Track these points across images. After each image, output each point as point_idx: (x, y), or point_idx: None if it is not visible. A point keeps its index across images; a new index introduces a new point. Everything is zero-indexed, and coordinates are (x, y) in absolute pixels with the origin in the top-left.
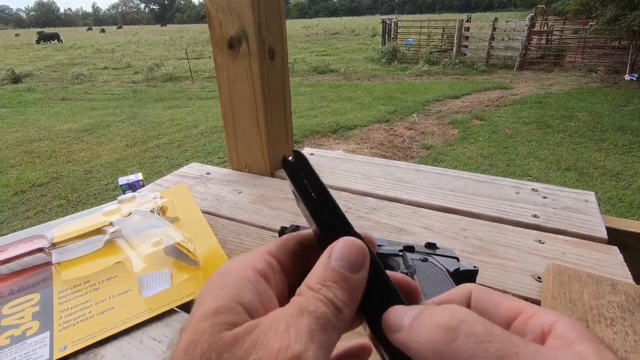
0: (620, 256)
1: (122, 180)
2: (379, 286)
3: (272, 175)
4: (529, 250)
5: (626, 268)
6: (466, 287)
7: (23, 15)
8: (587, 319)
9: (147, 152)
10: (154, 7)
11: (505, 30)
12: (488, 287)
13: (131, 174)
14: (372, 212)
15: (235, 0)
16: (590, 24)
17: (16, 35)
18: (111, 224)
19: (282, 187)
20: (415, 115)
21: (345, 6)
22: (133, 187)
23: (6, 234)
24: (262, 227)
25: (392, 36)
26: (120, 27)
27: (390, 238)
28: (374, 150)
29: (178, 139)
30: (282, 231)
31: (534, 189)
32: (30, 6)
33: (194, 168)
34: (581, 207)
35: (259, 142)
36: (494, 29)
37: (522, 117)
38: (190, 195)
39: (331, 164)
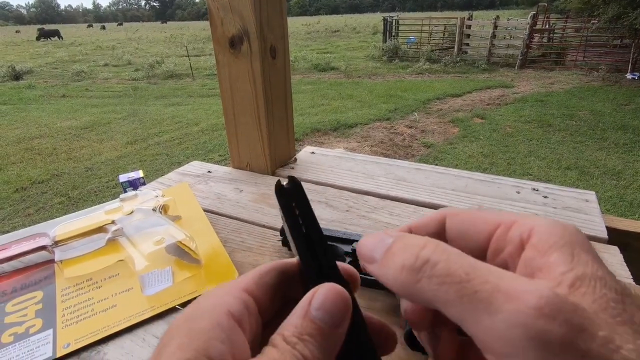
0: (621, 256)
1: (123, 177)
2: (357, 338)
3: (273, 173)
4: None
5: (626, 268)
6: (440, 212)
7: (23, 11)
8: None
9: (148, 149)
10: (154, 4)
11: (507, 29)
12: None
13: (132, 171)
14: (373, 211)
15: None
16: (592, 22)
17: (17, 31)
18: (113, 222)
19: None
20: (416, 114)
21: (346, 3)
22: (133, 184)
23: (7, 231)
24: (264, 226)
25: (393, 34)
26: (120, 24)
27: None
28: (374, 149)
29: (178, 136)
30: (283, 230)
31: (534, 189)
32: (30, 3)
33: (195, 166)
34: (582, 207)
35: (260, 140)
36: (496, 27)
37: (523, 116)
38: (192, 194)
39: (332, 162)
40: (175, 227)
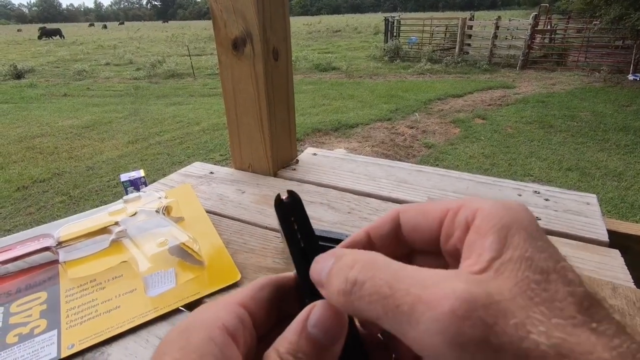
0: (621, 259)
1: (124, 176)
2: (352, 353)
3: (275, 175)
4: None
5: (627, 271)
6: (394, 210)
7: (25, 10)
8: None
9: (149, 149)
10: (156, 3)
11: (508, 29)
12: None
13: (133, 170)
14: (375, 213)
15: (240, 1)
16: (594, 23)
17: (18, 30)
18: (117, 223)
19: (285, 188)
20: (417, 114)
21: (347, 3)
22: (135, 183)
23: (9, 230)
24: (266, 228)
25: (394, 34)
26: (122, 23)
27: None
28: (375, 149)
29: (180, 136)
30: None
31: (536, 191)
32: (32, 1)
33: (198, 167)
34: (583, 210)
35: (263, 142)
36: (497, 27)
37: (524, 117)
38: (195, 195)
39: (334, 164)
40: (179, 229)
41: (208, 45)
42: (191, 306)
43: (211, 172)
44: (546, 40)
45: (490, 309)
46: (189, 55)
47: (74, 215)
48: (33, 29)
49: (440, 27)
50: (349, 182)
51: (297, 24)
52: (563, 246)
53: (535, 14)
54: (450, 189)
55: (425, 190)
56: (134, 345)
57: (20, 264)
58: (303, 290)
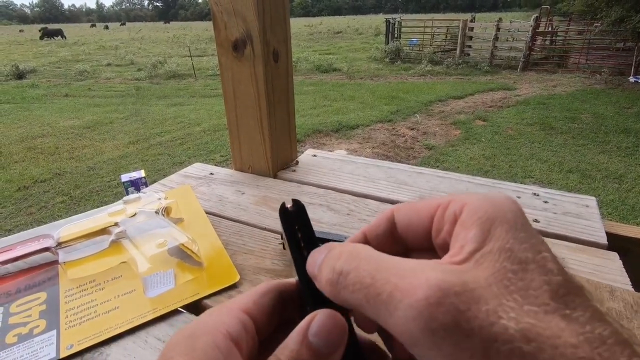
0: (620, 262)
1: (125, 177)
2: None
3: (275, 176)
4: None
5: (625, 274)
6: (389, 209)
7: (27, 11)
8: None
9: (150, 149)
10: (157, 4)
11: (509, 31)
12: None
13: (134, 171)
14: (373, 214)
15: (240, 3)
16: (595, 25)
17: (20, 31)
18: (116, 224)
19: (285, 189)
20: (417, 115)
21: (348, 5)
22: (135, 184)
23: (10, 230)
24: (265, 229)
25: (395, 35)
26: (123, 24)
27: None
28: (376, 150)
29: (180, 136)
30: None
31: (535, 194)
32: (34, 2)
33: (198, 168)
34: (582, 213)
35: (263, 143)
36: (498, 29)
37: (525, 118)
38: (194, 196)
39: (333, 165)
40: (178, 230)
41: (209, 46)
42: (190, 307)
43: (211, 173)
44: (547, 42)
45: (463, 296)
46: (190, 56)
47: (74, 216)
48: (35, 30)
49: (441, 28)
50: (349, 183)
51: (298, 25)
52: (561, 248)
53: (536, 16)
54: (449, 191)
55: (425, 192)
56: (132, 345)
57: (20, 264)
58: (304, 297)
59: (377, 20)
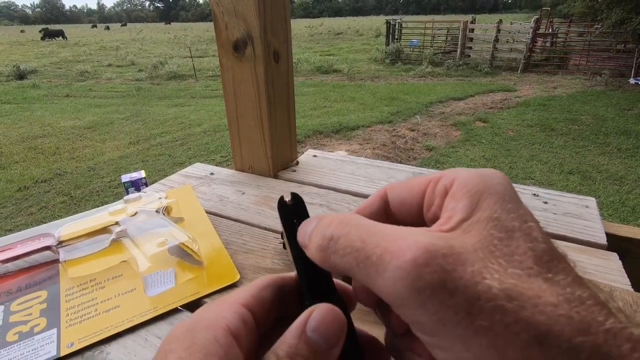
0: (619, 262)
1: (125, 177)
2: (350, 356)
3: (275, 176)
4: None
5: (625, 275)
6: (382, 189)
7: (28, 11)
8: None
9: (150, 149)
10: (158, 5)
11: (509, 32)
12: None
13: (134, 171)
14: None
15: (241, 4)
16: (595, 26)
17: (21, 31)
18: (117, 223)
19: (285, 189)
20: (418, 117)
21: (349, 6)
22: (136, 184)
23: (10, 230)
24: (265, 228)
25: (396, 37)
26: (124, 25)
27: None
28: (376, 151)
29: (181, 137)
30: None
31: (534, 194)
32: (35, 3)
33: (198, 168)
34: (582, 213)
35: (263, 143)
36: (499, 30)
37: (525, 120)
38: (195, 196)
39: (334, 166)
40: (178, 229)
41: (210, 47)
42: (190, 306)
43: (211, 173)
44: (547, 44)
45: (450, 257)
46: (191, 57)
47: (75, 215)
48: (36, 30)
49: (441, 30)
50: (349, 184)
51: (299, 26)
52: (562, 249)
53: (537, 18)
54: None
55: None
56: (132, 344)
57: (20, 263)
58: (303, 292)
59: (378, 21)
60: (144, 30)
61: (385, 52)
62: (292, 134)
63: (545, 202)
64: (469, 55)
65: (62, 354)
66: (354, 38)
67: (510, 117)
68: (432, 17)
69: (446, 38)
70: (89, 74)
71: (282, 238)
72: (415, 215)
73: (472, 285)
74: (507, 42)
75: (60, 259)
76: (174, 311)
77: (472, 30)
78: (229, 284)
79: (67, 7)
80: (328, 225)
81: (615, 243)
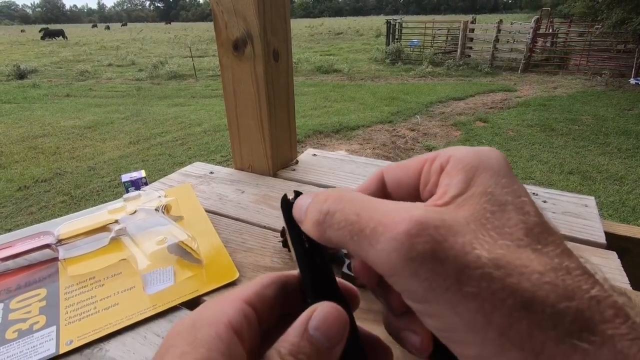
0: (618, 261)
1: (125, 177)
2: (352, 355)
3: (275, 175)
4: None
5: (624, 273)
6: (379, 170)
7: (29, 11)
8: None
9: (150, 149)
10: (158, 4)
11: (510, 32)
12: None
13: (134, 171)
14: None
15: (241, 3)
16: (595, 27)
17: (22, 31)
18: (116, 221)
19: (285, 188)
20: (418, 117)
21: (349, 6)
22: (136, 184)
23: (10, 229)
24: (264, 227)
25: (396, 37)
26: (125, 25)
27: None
28: (376, 151)
29: (181, 136)
30: (284, 231)
31: (534, 193)
32: (36, 2)
33: (198, 167)
34: (581, 212)
35: (263, 142)
36: (499, 30)
37: (525, 120)
38: (194, 195)
39: (333, 165)
40: (178, 227)
41: (210, 47)
42: (189, 304)
43: (211, 172)
44: (548, 44)
45: (442, 229)
46: (191, 57)
47: (74, 213)
48: (36, 30)
49: (442, 30)
50: (349, 182)
51: (299, 26)
52: None
53: (537, 18)
54: None
55: None
56: (132, 341)
57: (20, 261)
58: (306, 290)
59: (378, 21)
60: (144, 30)
61: (386, 52)
62: (291, 133)
63: (545, 201)
64: (469, 55)
65: (61, 351)
66: (354, 38)
67: (511, 117)
68: (432, 17)
69: (446, 38)
70: (89, 73)
71: (282, 236)
72: (412, 195)
73: (462, 254)
74: (508, 42)
75: (60, 257)
76: (173, 309)
77: (472, 30)
78: (228, 282)
79: (67, 6)
80: (325, 201)
81: (614, 242)
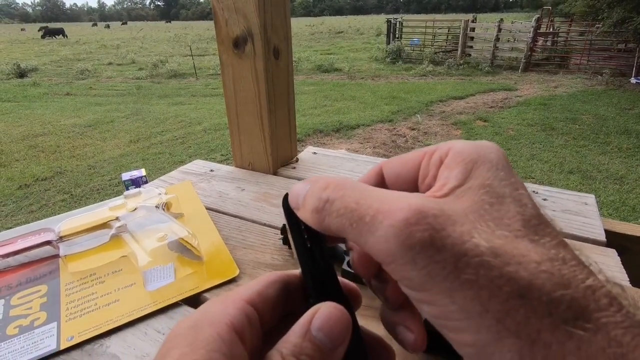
0: (618, 259)
1: (126, 176)
2: (354, 355)
3: (275, 173)
4: None
5: (624, 271)
6: (378, 164)
7: (29, 10)
8: None
9: (151, 148)
10: (159, 3)
11: (510, 32)
12: None
13: (134, 169)
14: None
15: (241, 0)
16: (596, 26)
17: (22, 29)
18: (117, 218)
19: (285, 186)
20: (418, 116)
21: (350, 5)
22: (136, 182)
23: (11, 228)
24: (265, 224)
25: (396, 36)
26: (125, 23)
27: None
28: (376, 150)
29: (181, 135)
30: (284, 228)
31: (534, 191)
32: (36, 1)
33: (198, 165)
34: (581, 210)
35: (263, 140)
36: (500, 29)
37: (526, 119)
38: (195, 192)
39: (334, 163)
40: (178, 224)
41: (210, 46)
42: (189, 301)
43: (211, 170)
44: (548, 43)
45: (440, 218)
46: (192, 56)
47: (75, 210)
48: (36, 29)
49: (442, 29)
50: None
51: (300, 25)
52: None
53: (538, 17)
54: None
55: None
56: (132, 337)
57: (21, 258)
58: (308, 289)
59: (379, 20)
60: (144, 28)
61: (386, 51)
62: (292, 130)
63: (545, 199)
64: (470, 54)
65: (62, 347)
66: (355, 37)
67: (511, 116)
68: (433, 16)
69: (447, 37)
70: (90, 72)
71: (282, 234)
72: (410, 188)
73: (460, 242)
74: (508, 41)
75: (61, 254)
76: (173, 305)
77: (473, 29)
78: (228, 279)
79: (67, 5)
80: (324, 188)
81: (614, 240)
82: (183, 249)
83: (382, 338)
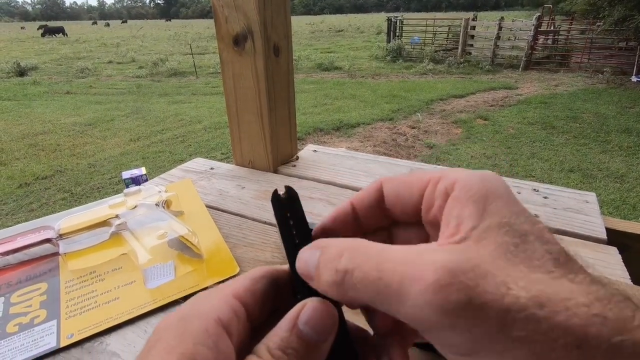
0: (619, 257)
1: (126, 174)
2: (341, 349)
3: (275, 171)
4: None
5: (625, 269)
6: (378, 180)
7: (29, 8)
8: None
9: (151, 146)
10: (158, 1)
11: (511, 30)
12: None
13: (135, 168)
14: None
15: None
16: (597, 24)
17: (22, 28)
18: (117, 216)
19: (285, 183)
20: (419, 114)
21: (350, 3)
22: (136, 181)
23: (11, 226)
24: (265, 222)
25: (397, 34)
26: (125, 22)
27: None
28: (377, 149)
29: (181, 134)
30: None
31: (535, 189)
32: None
33: (198, 163)
34: (582, 208)
35: (263, 138)
36: (500, 28)
37: (526, 118)
38: (195, 190)
39: (334, 161)
40: (178, 222)
41: (210, 44)
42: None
43: (211, 168)
44: (549, 42)
45: (471, 272)
46: (192, 54)
47: (75, 208)
48: (36, 27)
49: (443, 27)
50: (349, 178)
51: (300, 23)
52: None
53: (539, 15)
54: None
55: None
56: (132, 335)
57: (20, 256)
58: (296, 285)
59: (379, 18)
60: (144, 27)
61: (386, 50)
62: (292, 128)
63: (545, 197)
64: (470, 53)
65: (62, 344)
66: (355, 35)
67: (511, 115)
68: (433, 14)
69: (447, 35)
70: (90, 70)
71: None
72: (410, 213)
73: (500, 297)
74: (509, 39)
75: (60, 252)
76: (173, 303)
77: (473, 27)
78: (228, 276)
79: (67, 3)
80: (339, 256)
81: (614, 238)
82: (183, 247)
83: (368, 331)
